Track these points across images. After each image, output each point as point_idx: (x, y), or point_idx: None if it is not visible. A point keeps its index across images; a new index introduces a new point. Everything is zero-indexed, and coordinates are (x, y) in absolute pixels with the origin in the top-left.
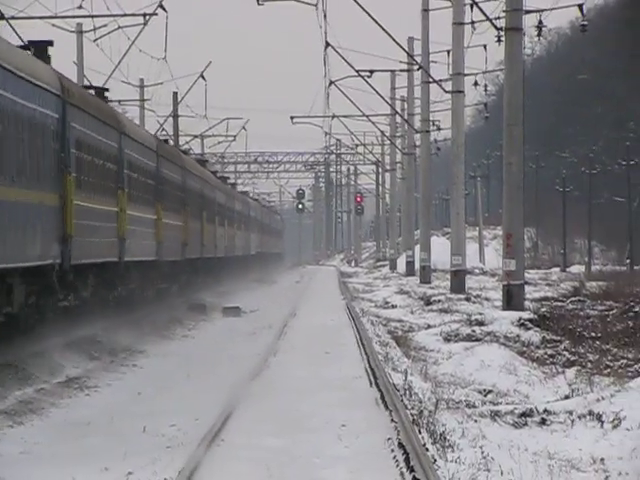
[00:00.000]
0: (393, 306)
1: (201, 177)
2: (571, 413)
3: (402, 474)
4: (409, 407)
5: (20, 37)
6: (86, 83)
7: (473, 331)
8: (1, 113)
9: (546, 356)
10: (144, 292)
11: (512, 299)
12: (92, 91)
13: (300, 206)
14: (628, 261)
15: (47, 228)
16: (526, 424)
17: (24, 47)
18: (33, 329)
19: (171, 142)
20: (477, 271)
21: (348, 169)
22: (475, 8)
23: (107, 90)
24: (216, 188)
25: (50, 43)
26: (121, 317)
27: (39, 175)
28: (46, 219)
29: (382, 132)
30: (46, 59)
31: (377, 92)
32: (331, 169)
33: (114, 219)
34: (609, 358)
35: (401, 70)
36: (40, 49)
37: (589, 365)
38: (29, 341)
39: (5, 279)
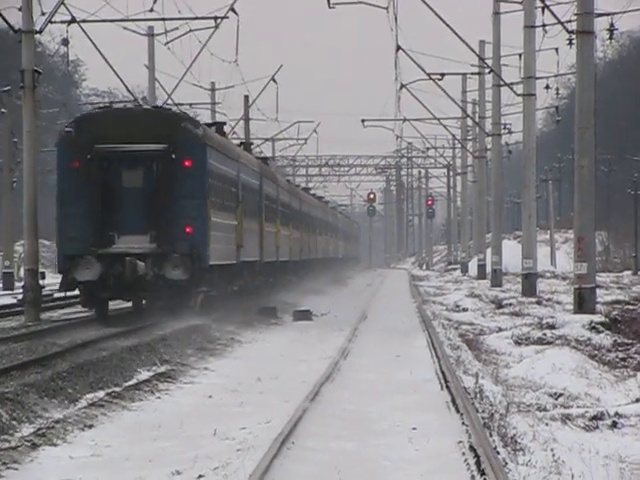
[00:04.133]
0: (464, 309)
1: (309, 203)
2: None
3: (473, 477)
4: (480, 410)
5: (93, 42)
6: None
7: (544, 334)
8: (248, 187)
9: (617, 359)
10: (267, 285)
11: (583, 302)
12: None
13: (371, 209)
14: None
15: (256, 241)
16: (597, 427)
17: (210, 125)
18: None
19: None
20: (548, 274)
21: (419, 172)
22: (546, 11)
23: (224, 124)
24: (318, 208)
25: (224, 124)
26: (256, 299)
27: (255, 214)
28: (254, 237)
29: (453, 135)
30: (222, 133)
31: (448, 95)
32: (402, 172)
33: (258, 235)
34: None
35: (472, 73)
36: (219, 127)
37: None
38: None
39: (248, 264)
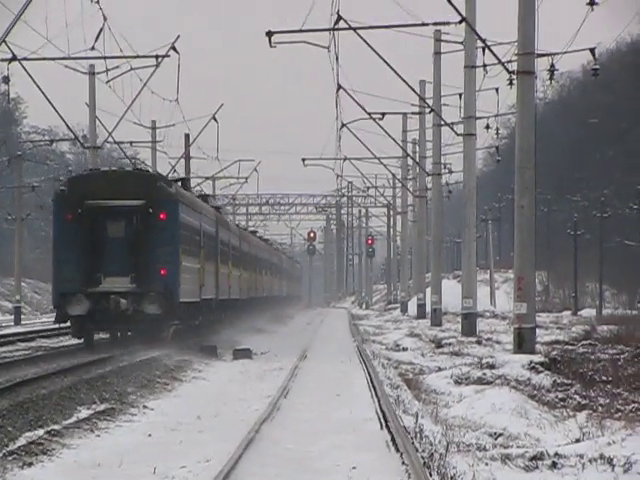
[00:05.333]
0: (404, 349)
1: (256, 245)
2: (582, 457)
3: None
4: (420, 450)
5: (34, 79)
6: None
7: (484, 374)
8: (207, 234)
9: (557, 399)
10: (220, 321)
11: (523, 342)
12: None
13: (311, 248)
14: (639, 305)
15: (213, 281)
16: (537, 467)
17: (176, 180)
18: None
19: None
20: (488, 314)
21: (359, 211)
22: (487, 51)
23: (189, 180)
24: (264, 250)
25: (188, 179)
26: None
27: (212, 257)
28: (212, 278)
29: (393, 175)
30: (187, 188)
31: (389, 134)
32: (342, 211)
33: (215, 276)
34: (620, 402)
35: (413, 113)
36: (184, 182)
37: (600, 409)
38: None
39: (207, 302)
